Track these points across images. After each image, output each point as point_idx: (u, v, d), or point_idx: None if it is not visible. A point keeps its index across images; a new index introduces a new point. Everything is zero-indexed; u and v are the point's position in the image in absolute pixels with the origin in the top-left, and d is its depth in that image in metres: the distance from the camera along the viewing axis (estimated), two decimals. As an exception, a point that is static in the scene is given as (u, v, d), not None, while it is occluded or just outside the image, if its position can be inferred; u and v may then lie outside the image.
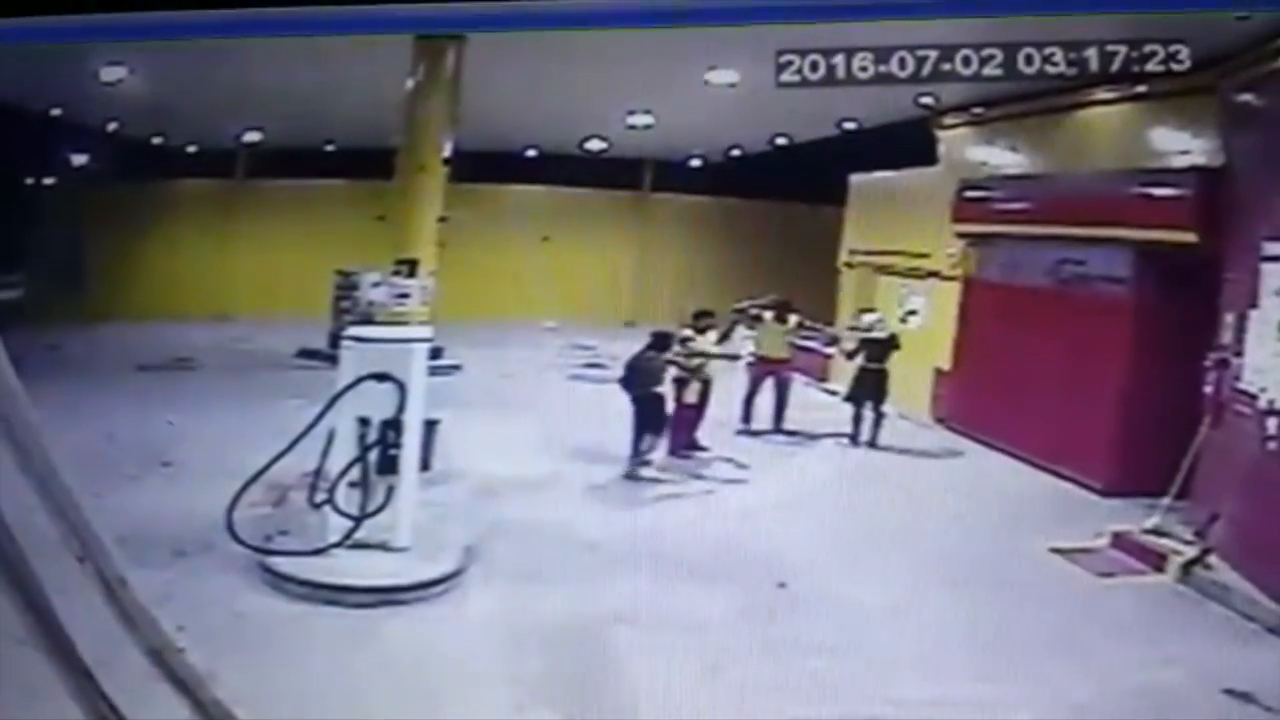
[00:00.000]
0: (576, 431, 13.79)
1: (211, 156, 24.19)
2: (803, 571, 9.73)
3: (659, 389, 13.41)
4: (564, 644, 8.07)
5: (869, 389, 14.65)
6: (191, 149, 23.81)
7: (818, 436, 14.72)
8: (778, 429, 14.99)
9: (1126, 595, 9.76)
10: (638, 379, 13.39)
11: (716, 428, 14.35)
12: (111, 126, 20.59)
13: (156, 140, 22.56)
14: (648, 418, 13.29)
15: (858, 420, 14.58)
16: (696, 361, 13.75)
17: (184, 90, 16.55)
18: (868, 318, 15.58)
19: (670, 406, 13.59)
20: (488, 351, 19.31)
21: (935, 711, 7.23)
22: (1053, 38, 9.22)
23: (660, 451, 13.41)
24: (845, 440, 14.53)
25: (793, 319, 15.42)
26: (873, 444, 14.46)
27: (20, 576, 4.85)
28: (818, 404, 15.35)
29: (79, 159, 22.14)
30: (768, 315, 15.36)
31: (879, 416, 14.55)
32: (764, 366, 15.23)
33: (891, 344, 14.86)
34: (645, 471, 13.20)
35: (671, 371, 13.59)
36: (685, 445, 13.57)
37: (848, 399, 14.80)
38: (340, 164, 23.59)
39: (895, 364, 14.70)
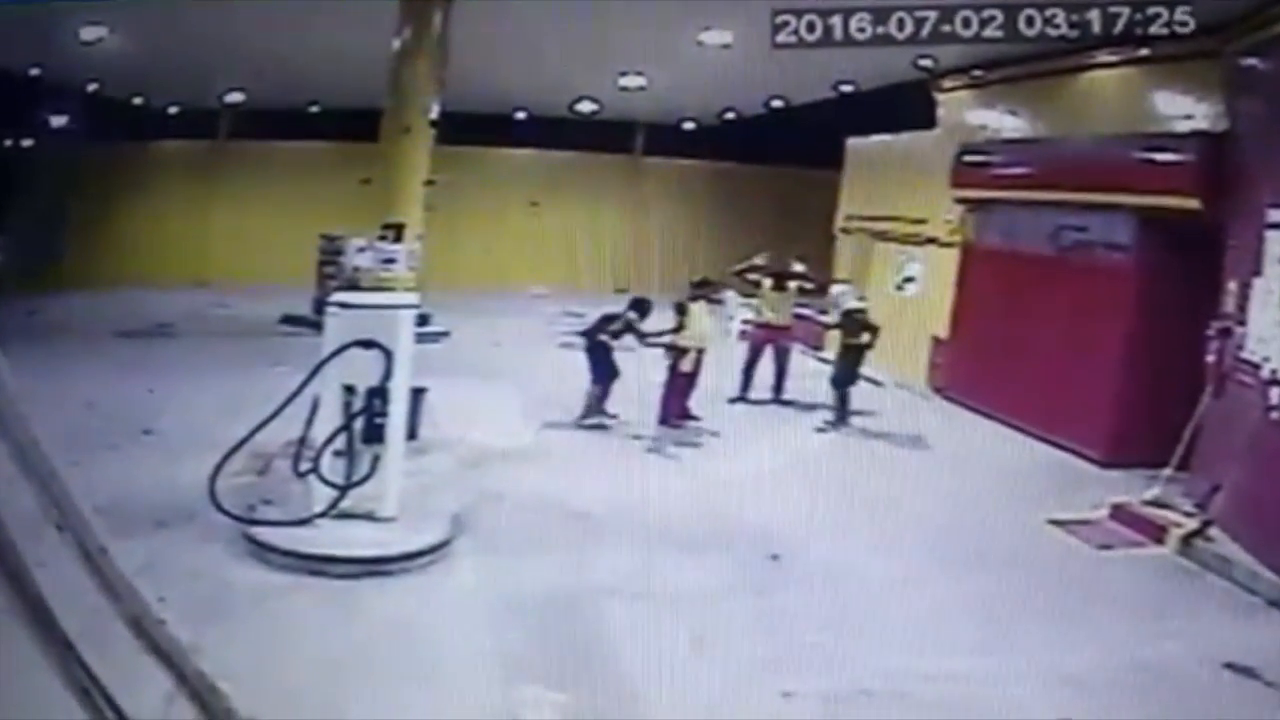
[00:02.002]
0: (566, 400, 13.71)
1: (193, 117, 24.06)
2: (796, 544, 9.61)
3: (602, 337, 13.54)
4: (552, 615, 7.94)
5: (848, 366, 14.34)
6: (173, 110, 23.67)
7: (815, 406, 14.60)
8: (777, 399, 14.86)
9: (1126, 567, 9.67)
10: (592, 330, 13.68)
11: (713, 397, 14.31)
12: (92, 87, 20.38)
13: (137, 101, 22.41)
14: (594, 366, 13.50)
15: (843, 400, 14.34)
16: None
17: (165, 50, 16.39)
18: (835, 289, 15.32)
19: (659, 375, 13.57)
20: (476, 318, 19.23)
21: (932, 684, 7.11)
22: (1055, -1, 9.10)
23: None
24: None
25: (792, 285, 15.24)
26: (843, 422, 14.14)
27: (-2, 546, 4.68)
28: (814, 372, 15.24)
29: (58, 120, 21.97)
30: (766, 282, 15.21)
31: (844, 394, 14.22)
32: (764, 333, 15.09)
33: (861, 316, 14.44)
34: (591, 420, 13.40)
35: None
36: (678, 414, 13.46)
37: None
38: (325, 125, 23.49)
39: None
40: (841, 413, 14.11)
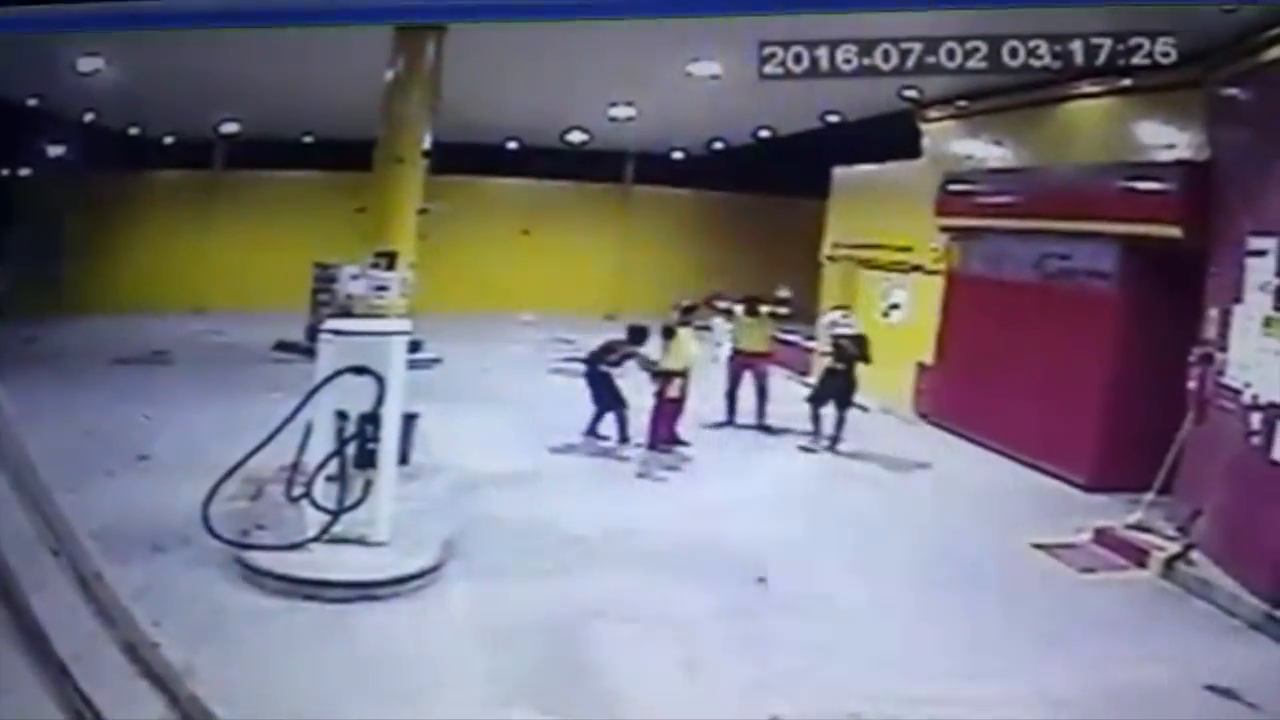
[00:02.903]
0: (556, 426, 13.77)
1: (188, 147, 24.09)
2: (783, 567, 9.66)
3: (603, 368, 13.76)
4: (543, 640, 7.97)
5: (832, 390, 14.51)
6: (168, 140, 23.70)
7: (801, 432, 14.65)
8: (760, 425, 14.90)
9: (1109, 591, 9.72)
10: (593, 358, 13.89)
11: (701, 423, 14.39)
12: (88, 117, 20.43)
13: (133, 131, 22.43)
14: (595, 393, 13.74)
15: (816, 420, 14.51)
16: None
17: (161, 81, 16.45)
18: (831, 315, 15.51)
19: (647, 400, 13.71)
20: (467, 345, 19.24)
21: (918, 707, 7.16)
22: (1038, 30, 9.18)
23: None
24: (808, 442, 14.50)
25: (764, 310, 15.29)
26: (834, 444, 14.35)
27: (-6, 571, 4.76)
28: (797, 398, 15.30)
29: (56, 150, 22.01)
30: (739, 309, 15.28)
31: (841, 418, 14.42)
32: (741, 360, 15.18)
33: (859, 344, 14.59)
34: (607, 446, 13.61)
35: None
36: (666, 439, 13.52)
37: (810, 399, 14.72)
38: (319, 155, 23.52)
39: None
40: (816, 434, 14.38)
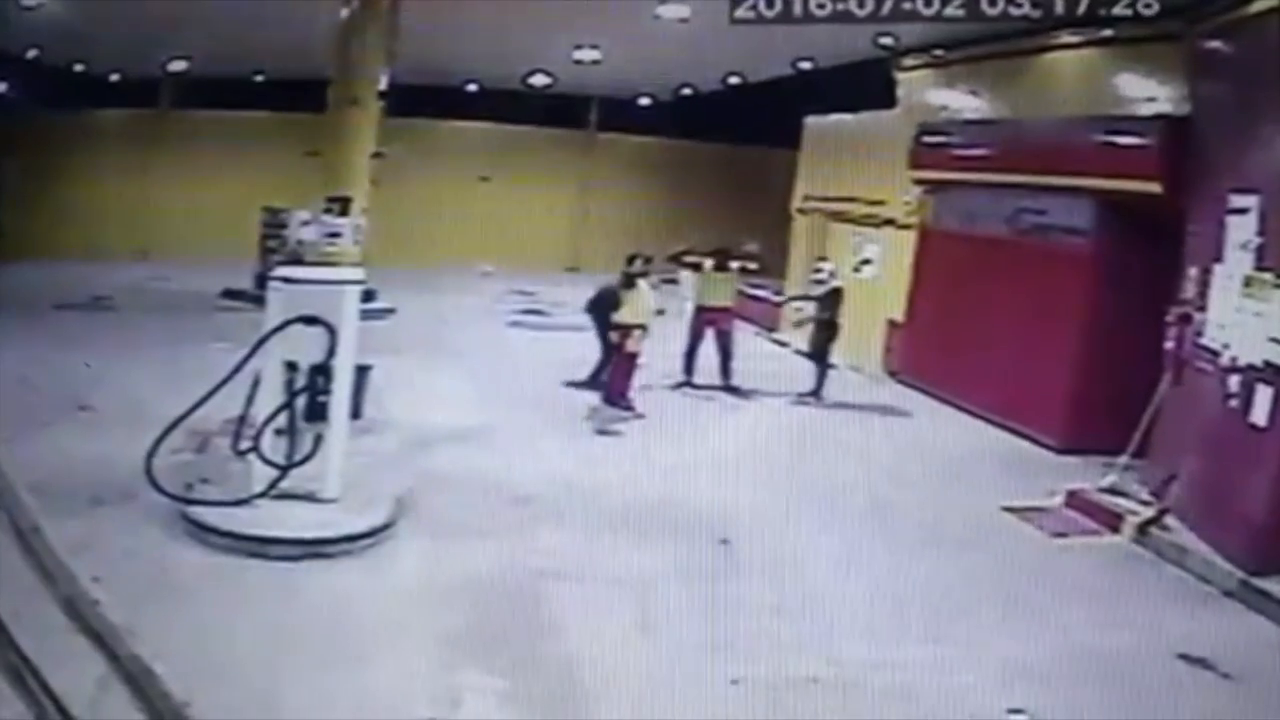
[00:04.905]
0: (513, 380, 13.66)
1: (135, 85, 23.76)
2: (746, 528, 9.52)
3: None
4: (495, 599, 7.79)
5: (822, 342, 14.48)
6: (114, 77, 23.34)
7: (763, 392, 14.52)
8: (726, 386, 14.63)
9: (1080, 555, 9.61)
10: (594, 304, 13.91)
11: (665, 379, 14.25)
12: (32, 53, 20.01)
13: (78, 68, 22.06)
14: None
15: (822, 375, 14.49)
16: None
17: (107, 16, 16.09)
18: (827, 266, 15.37)
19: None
20: (423, 295, 19.11)
21: (882, 672, 7.03)
22: (1018, -23, 9.06)
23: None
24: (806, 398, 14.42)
25: (734, 266, 15.04)
26: (817, 395, 14.30)
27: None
28: (765, 355, 15.19)
29: (-4, 87, 21.66)
30: (707, 263, 15.02)
31: (824, 369, 14.36)
32: (705, 315, 14.89)
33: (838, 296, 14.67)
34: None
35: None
36: (625, 393, 13.31)
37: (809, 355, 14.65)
38: (270, 95, 23.23)
39: (850, 314, 14.50)
40: (818, 390, 14.39)
